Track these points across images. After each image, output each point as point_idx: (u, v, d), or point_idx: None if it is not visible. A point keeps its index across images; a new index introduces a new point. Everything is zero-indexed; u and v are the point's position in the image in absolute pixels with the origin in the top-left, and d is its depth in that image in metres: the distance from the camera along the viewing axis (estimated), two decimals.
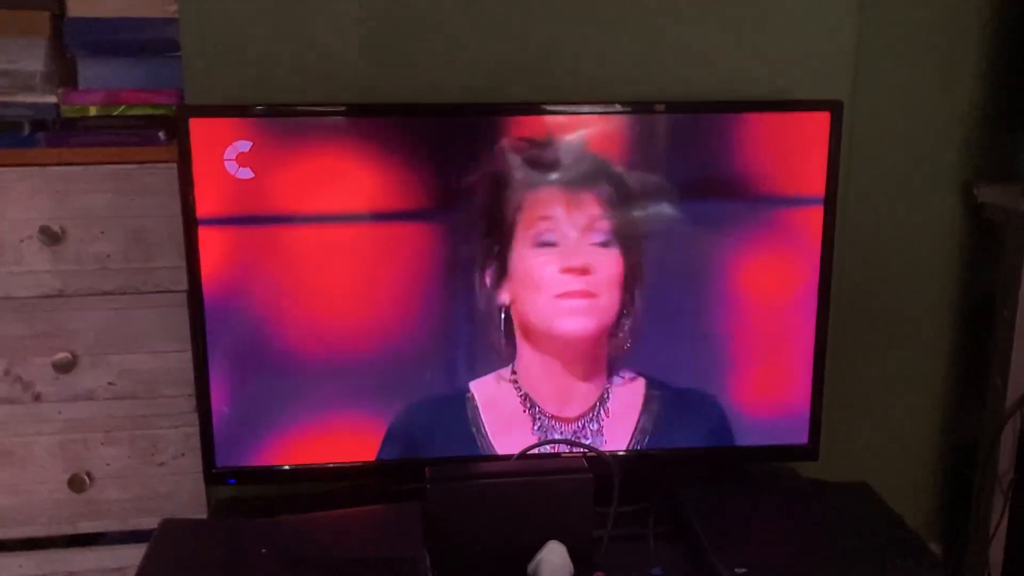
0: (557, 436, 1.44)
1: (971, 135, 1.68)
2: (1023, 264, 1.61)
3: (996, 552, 1.70)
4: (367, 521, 1.30)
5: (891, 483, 1.77)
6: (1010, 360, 1.64)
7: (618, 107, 1.39)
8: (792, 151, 1.42)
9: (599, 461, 1.36)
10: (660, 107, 1.41)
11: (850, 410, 1.72)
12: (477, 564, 1.28)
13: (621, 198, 1.39)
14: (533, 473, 1.32)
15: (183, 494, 1.59)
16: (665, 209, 1.41)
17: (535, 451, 1.41)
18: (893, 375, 1.75)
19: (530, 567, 1.27)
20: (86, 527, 1.58)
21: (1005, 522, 1.70)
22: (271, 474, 1.42)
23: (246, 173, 1.32)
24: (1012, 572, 1.70)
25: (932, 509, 1.84)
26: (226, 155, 1.31)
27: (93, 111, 1.51)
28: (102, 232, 1.49)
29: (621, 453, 1.45)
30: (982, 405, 1.72)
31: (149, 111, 1.51)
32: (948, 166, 1.70)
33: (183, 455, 1.57)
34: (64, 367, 1.51)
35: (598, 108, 1.39)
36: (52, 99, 1.49)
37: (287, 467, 1.42)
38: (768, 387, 1.49)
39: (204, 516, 1.52)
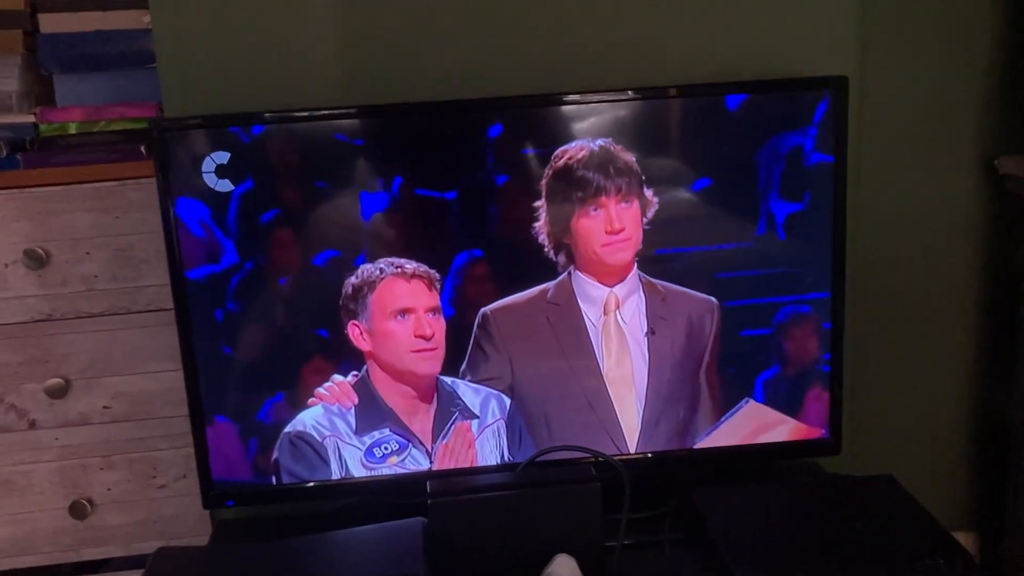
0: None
1: (991, 105, 1.60)
2: None
3: None
4: (367, 540, 1.26)
5: (921, 472, 1.70)
6: None
7: (629, 94, 1.33)
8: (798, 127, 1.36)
9: (609, 466, 1.31)
10: (672, 91, 1.35)
11: (874, 399, 1.65)
12: None
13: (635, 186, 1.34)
14: (538, 484, 1.26)
15: (187, 516, 1.56)
16: (677, 193, 1.35)
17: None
18: (918, 360, 1.67)
19: None
20: (90, 554, 1.56)
21: None
22: (270, 494, 1.38)
23: (225, 185, 1.27)
24: None
25: (966, 496, 1.76)
26: (204, 167, 1.27)
27: (73, 128, 1.47)
28: (87, 253, 1.45)
29: (632, 456, 1.39)
30: (1012, 387, 1.64)
31: (129, 126, 1.47)
32: (967, 138, 1.61)
33: (184, 476, 1.54)
34: (57, 392, 1.48)
35: (606, 96, 1.33)
36: (30, 119, 1.46)
37: (286, 486, 1.37)
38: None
39: (208, 537, 1.48)
